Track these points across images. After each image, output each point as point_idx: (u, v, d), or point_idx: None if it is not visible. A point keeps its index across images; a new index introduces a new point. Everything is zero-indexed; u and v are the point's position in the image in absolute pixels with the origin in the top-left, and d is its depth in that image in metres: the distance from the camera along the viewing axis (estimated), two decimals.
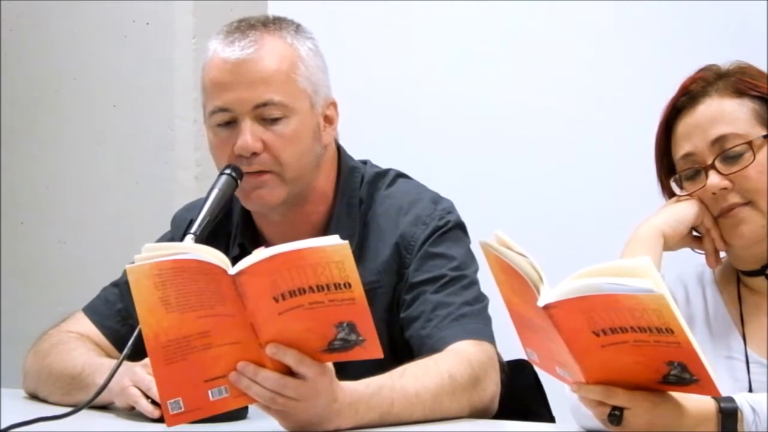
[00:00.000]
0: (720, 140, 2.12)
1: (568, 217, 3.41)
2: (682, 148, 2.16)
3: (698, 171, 2.15)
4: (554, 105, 3.46)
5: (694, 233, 2.20)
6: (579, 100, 3.44)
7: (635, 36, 3.39)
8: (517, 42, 3.51)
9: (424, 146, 3.55)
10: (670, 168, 2.20)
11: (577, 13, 3.43)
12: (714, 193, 2.13)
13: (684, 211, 2.16)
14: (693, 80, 2.18)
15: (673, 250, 2.18)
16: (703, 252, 2.20)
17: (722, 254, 2.20)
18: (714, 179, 2.12)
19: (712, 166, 2.12)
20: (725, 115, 2.13)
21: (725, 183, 2.12)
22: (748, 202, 2.12)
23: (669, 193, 2.22)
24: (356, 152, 2.44)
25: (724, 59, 2.22)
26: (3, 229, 3.89)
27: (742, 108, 2.14)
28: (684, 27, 3.31)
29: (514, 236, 1.77)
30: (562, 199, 3.43)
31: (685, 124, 2.16)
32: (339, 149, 2.41)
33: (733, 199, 2.12)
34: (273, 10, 3.63)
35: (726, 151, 2.12)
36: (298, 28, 2.34)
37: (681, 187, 2.18)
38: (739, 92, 2.14)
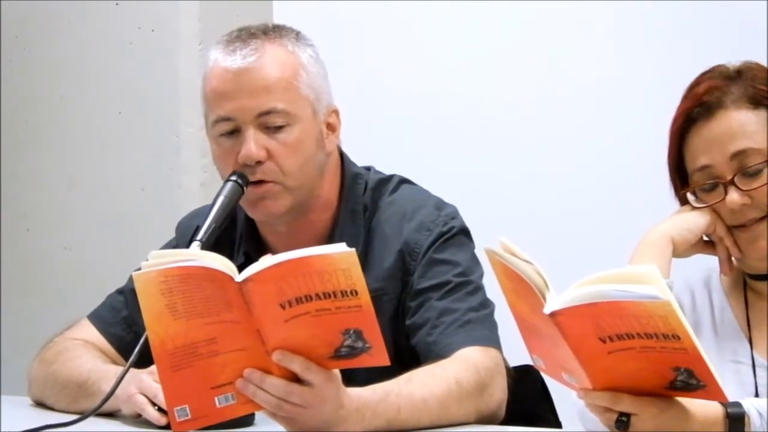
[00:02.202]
0: (739, 155, 2.11)
1: (572, 220, 3.41)
2: (698, 160, 2.15)
3: (716, 184, 2.14)
4: (557, 106, 3.46)
5: (705, 239, 2.19)
6: (582, 100, 3.43)
7: (638, 36, 3.38)
8: (519, 42, 3.51)
9: (428, 148, 3.55)
10: (684, 176, 2.19)
11: (580, 13, 3.43)
12: (733, 209, 2.12)
13: (694, 219, 2.15)
14: (706, 89, 2.16)
15: (683, 258, 2.18)
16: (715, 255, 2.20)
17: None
18: (734, 196, 2.11)
19: (732, 182, 2.12)
20: (743, 128, 2.11)
21: (745, 200, 2.11)
22: (765, 216, 2.12)
23: (681, 199, 2.21)
24: (359, 155, 2.44)
25: (724, 59, 2.22)
26: (9, 235, 3.89)
27: (759, 119, 2.12)
28: (688, 27, 3.31)
29: (518, 240, 1.77)
30: (566, 202, 3.43)
31: (701, 137, 2.14)
32: (342, 156, 2.40)
33: (752, 214, 2.12)
34: (278, 14, 3.64)
35: (746, 168, 2.11)
36: (298, 35, 2.34)
37: (697, 198, 2.17)
38: (755, 102, 2.13)
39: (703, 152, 2.14)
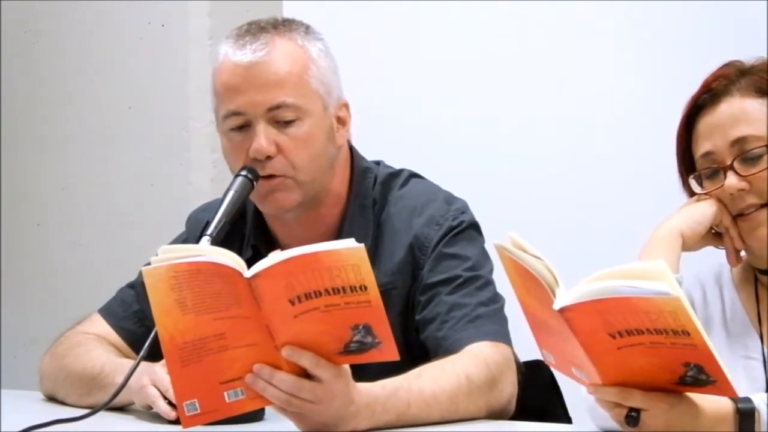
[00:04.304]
0: (740, 141, 2.12)
1: (581, 218, 3.41)
2: (702, 146, 2.16)
3: (717, 171, 2.14)
4: (567, 105, 3.46)
5: (714, 230, 2.19)
6: (592, 100, 3.44)
7: (641, 36, 3.39)
8: (529, 42, 3.51)
9: (436, 146, 3.55)
10: (691, 165, 2.19)
11: (590, 14, 3.44)
12: (732, 194, 2.12)
13: (702, 211, 2.16)
14: (715, 77, 2.17)
15: (693, 251, 2.18)
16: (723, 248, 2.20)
17: (742, 253, 2.20)
18: (732, 180, 2.12)
19: (731, 167, 2.12)
20: (746, 115, 2.12)
21: (743, 184, 2.12)
22: (766, 204, 2.12)
23: (689, 190, 2.21)
24: (369, 153, 2.45)
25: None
26: (20, 231, 3.90)
27: (764, 108, 2.13)
28: (688, 27, 3.31)
29: (527, 236, 1.77)
30: (575, 200, 3.43)
31: (705, 123, 2.15)
32: (352, 150, 2.40)
33: (751, 200, 2.12)
34: (288, 10, 3.64)
35: (745, 153, 2.11)
36: (307, 29, 2.34)
37: (701, 185, 2.17)
38: (761, 91, 2.13)
39: (707, 138, 2.15)
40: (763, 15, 3.16)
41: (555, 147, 3.47)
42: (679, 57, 3.24)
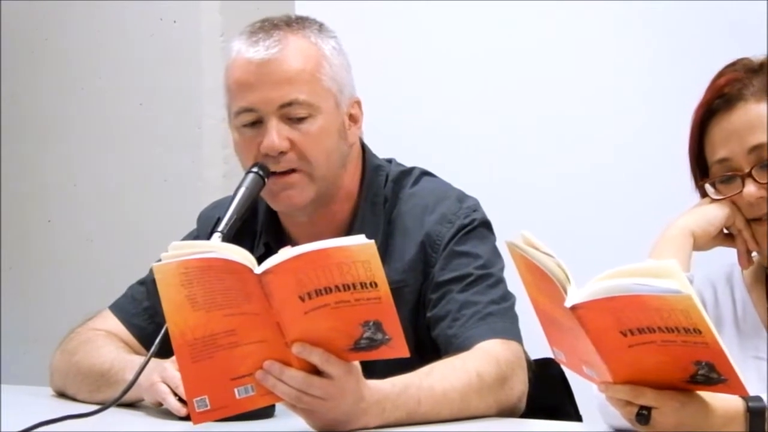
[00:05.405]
0: (758, 149, 2.10)
1: (588, 216, 3.41)
2: (717, 152, 2.14)
3: (733, 177, 2.13)
4: (577, 106, 3.46)
5: (725, 231, 2.19)
6: (595, 99, 3.44)
7: (651, 36, 3.40)
8: (539, 43, 3.52)
9: (448, 146, 3.55)
10: (704, 168, 2.18)
11: (599, 15, 3.44)
12: (750, 201, 2.12)
13: (714, 212, 2.15)
14: (727, 81, 2.15)
15: (704, 250, 2.17)
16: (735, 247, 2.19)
17: (754, 254, 2.19)
18: (751, 189, 2.11)
19: (749, 175, 2.11)
20: (763, 121, 2.11)
21: (762, 193, 2.10)
22: None
23: (702, 191, 2.20)
24: (380, 152, 2.44)
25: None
26: (31, 226, 3.91)
27: None
28: (688, 27, 3.32)
29: (539, 235, 1.76)
30: (582, 198, 3.43)
31: (721, 129, 2.14)
32: (364, 148, 2.41)
33: None
34: (300, 8, 3.64)
35: (764, 161, 2.10)
36: (321, 27, 2.34)
37: (715, 189, 2.16)
38: None
39: (722, 144, 2.13)
40: (763, 15, 3.16)
41: (561, 146, 3.47)
42: (688, 57, 3.23)
